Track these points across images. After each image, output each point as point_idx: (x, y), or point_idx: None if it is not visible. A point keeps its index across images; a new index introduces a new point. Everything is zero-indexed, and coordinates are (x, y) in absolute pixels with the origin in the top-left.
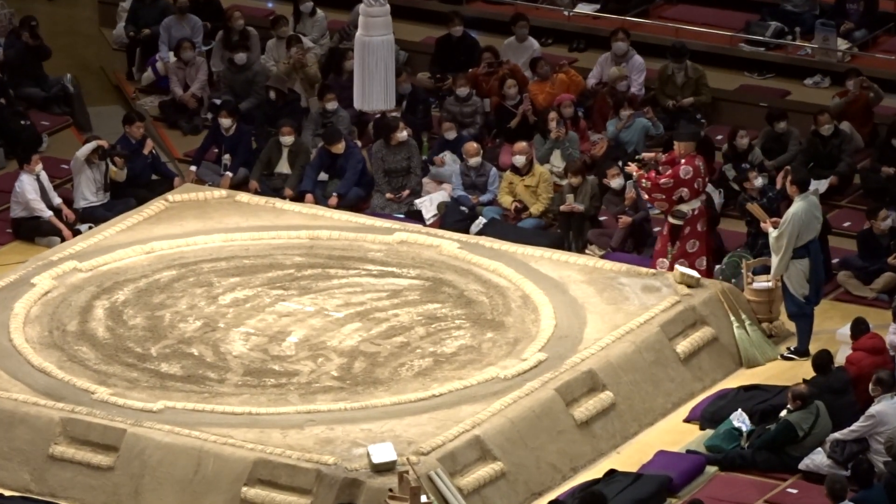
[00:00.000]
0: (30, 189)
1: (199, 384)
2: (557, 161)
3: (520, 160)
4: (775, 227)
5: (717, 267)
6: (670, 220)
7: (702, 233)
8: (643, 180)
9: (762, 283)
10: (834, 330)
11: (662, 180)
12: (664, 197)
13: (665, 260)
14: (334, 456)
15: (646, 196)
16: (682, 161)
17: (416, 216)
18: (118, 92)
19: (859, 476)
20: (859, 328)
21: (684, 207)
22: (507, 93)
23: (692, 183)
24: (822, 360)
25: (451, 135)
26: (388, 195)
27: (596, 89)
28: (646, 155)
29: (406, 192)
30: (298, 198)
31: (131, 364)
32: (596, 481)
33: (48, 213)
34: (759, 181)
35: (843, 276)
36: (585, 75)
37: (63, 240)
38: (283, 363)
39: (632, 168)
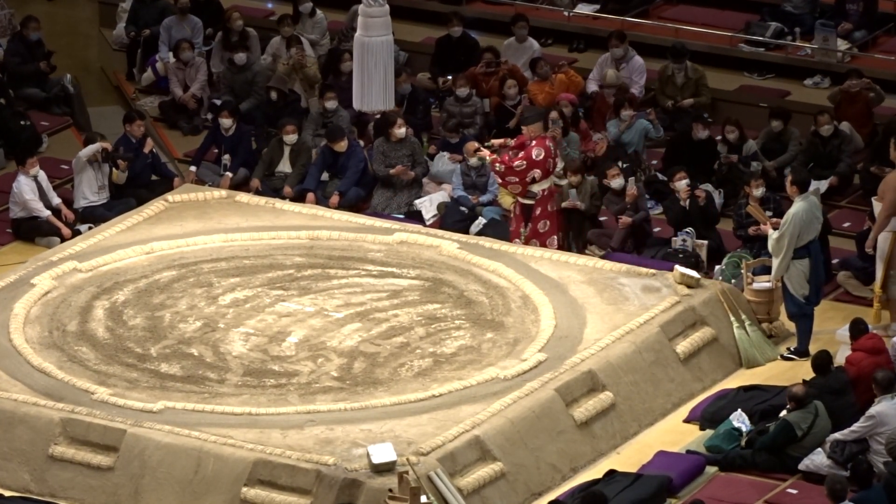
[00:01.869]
0: (27, 189)
1: (199, 384)
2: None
3: None
4: (775, 229)
5: (717, 267)
6: (520, 200)
7: (552, 213)
8: (497, 164)
9: (762, 283)
10: (834, 330)
11: (516, 163)
12: (518, 180)
13: (519, 240)
14: (334, 456)
15: (499, 180)
16: (533, 143)
17: (416, 216)
18: (118, 92)
19: (859, 476)
20: (858, 329)
21: (535, 188)
22: (506, 93)
23: (544, 164)
24: (822, 361)
25: (453, 141)
26: (392, 171)
27: (596, 94)
28: (494, 141)
29: (411, 174)
30: (299, 197)
31: (131, 364)
32: (596, 481)
33: (46, 213)
34: (759, 190)
35: (843, 276)
36: (585, 76)
37: (62, 239)
38: (283, 363)
39: (484, 153)
